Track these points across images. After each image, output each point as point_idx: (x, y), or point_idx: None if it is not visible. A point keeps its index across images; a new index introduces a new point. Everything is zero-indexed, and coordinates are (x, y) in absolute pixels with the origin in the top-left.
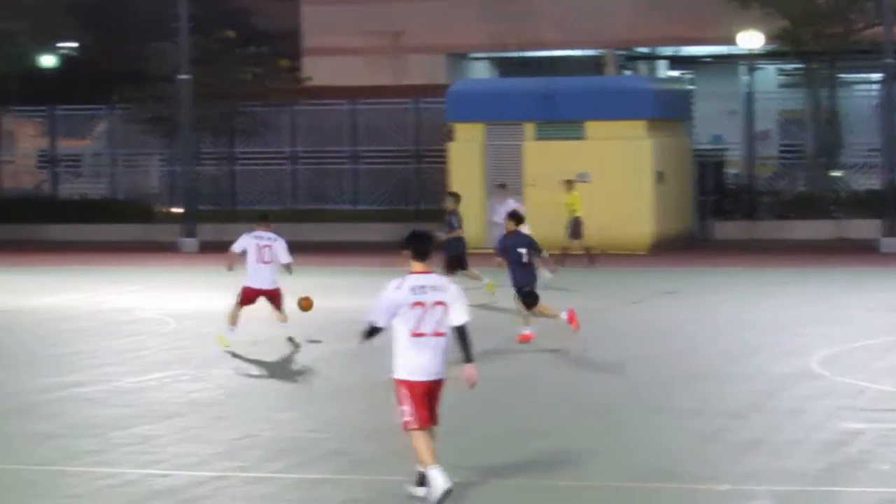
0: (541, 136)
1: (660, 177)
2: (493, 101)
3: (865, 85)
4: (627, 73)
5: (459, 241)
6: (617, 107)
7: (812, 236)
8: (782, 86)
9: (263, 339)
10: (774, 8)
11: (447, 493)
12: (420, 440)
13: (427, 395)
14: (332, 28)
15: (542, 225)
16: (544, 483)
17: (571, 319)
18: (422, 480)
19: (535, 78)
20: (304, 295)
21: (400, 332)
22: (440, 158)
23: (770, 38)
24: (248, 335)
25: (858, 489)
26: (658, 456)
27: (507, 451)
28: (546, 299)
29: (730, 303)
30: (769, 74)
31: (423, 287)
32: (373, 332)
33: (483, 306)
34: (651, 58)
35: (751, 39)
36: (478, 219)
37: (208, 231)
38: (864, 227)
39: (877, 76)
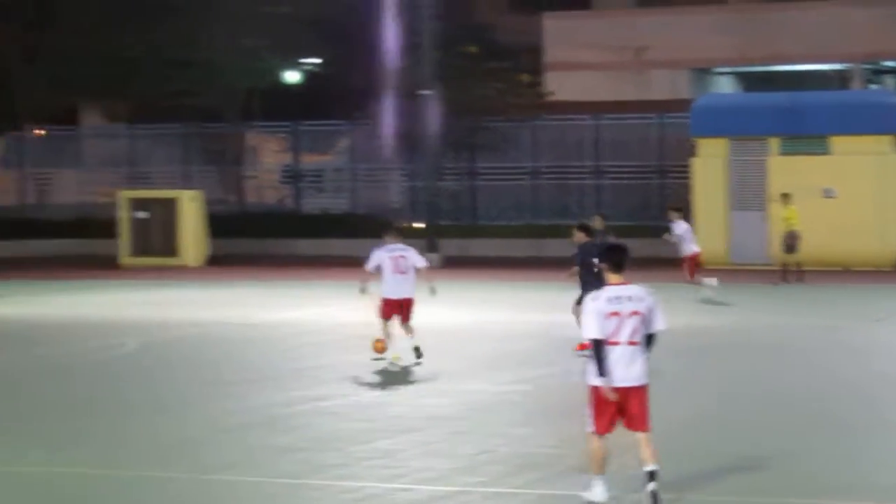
0: (785, 152)
1: None
2: (737, 116)
3: None
4: (874, 87)
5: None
6: (863, 122)
7: None
8: None
9: (501, 354)
10: None
11: None
12: (595, 447)
13: (618, 403)
14: (574, 43)
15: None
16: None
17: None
18: (591, 486)
19: (779, 93)
20: (379, 337)
21: None
22: (683, 174)
23: None
24: (489, 350)
25: None
26: None
27: (753, 469)
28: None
29: None
30: None
31: (619, 298)
32: (598, 348)
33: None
34: None
35: None
36: (721, 235)
37: (450, 246)
38: None
39: None
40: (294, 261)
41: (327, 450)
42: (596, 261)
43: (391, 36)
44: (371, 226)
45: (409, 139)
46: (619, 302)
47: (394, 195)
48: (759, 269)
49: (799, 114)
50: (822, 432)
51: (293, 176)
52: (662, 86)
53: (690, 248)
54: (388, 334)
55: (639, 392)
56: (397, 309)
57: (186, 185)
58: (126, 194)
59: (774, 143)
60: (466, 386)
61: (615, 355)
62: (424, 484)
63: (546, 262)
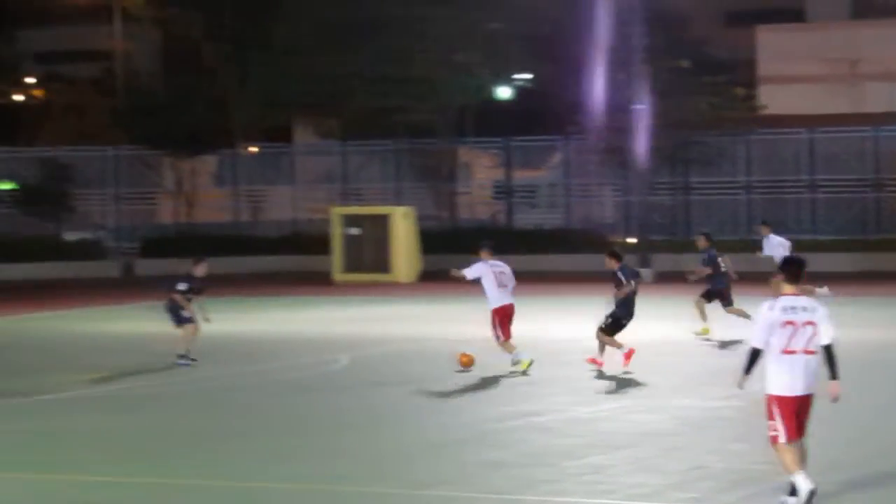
0: None
1: None
2: None
3: None
4: None
5: (724, 277)
6: None
7: None
8: None
9: (714, 370)
10: None
11: (812, 494)
12: (786, 453)
13: (797, 410)
14: (789, 56)
15: None
16: None
17: (627, 356)
18: (793, 490)
19: None
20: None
21: (772, 350)
22: None
23: None
24: (702, 365)
25: None
26: None
27: None
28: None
29: None
30: None
31: (794, 308)
32: (754, 357)
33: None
34: None
35: None
36: None
37: (663, 261)
38: None
39: None
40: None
41: (539, 465)
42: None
43: (603, 50)
44: (584, 241)
45: (622, 154)
46: (794, 312)
47: (607, 210)
48: None
49: None
50: None
51: (505, 191)
52: (878, 98)
53: None
54: (509, 344)
55: (809, 400)
56: (510, 313)
57: (398, 201)
58: (338, 211)
59: None
60: (679, 401)
61: (792, 364)
62: (636, 500)
63: (762, 276)
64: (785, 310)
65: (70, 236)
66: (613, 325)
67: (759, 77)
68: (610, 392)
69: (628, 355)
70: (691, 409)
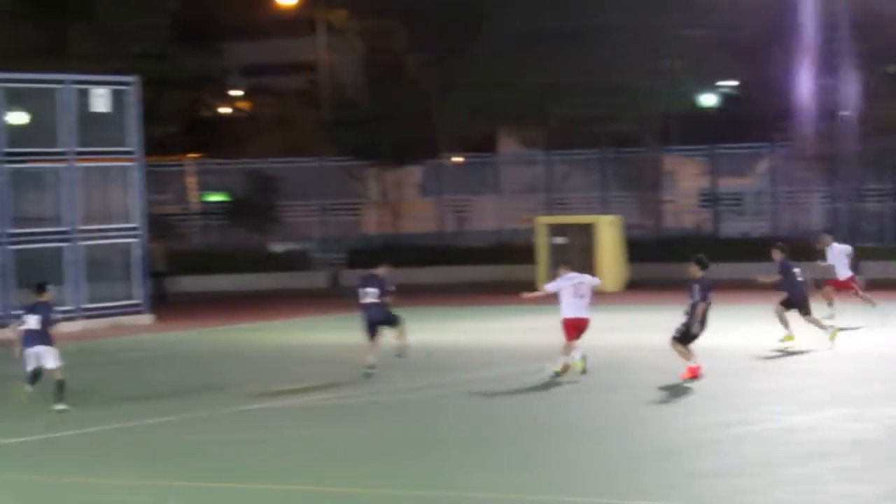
0: None
1: None
2: None
3: None
4: None
5: (803, 285)
6: None
7: None
8: None
9: None
10: None
11: None
12: None
13: None
14: None
15: None
16: None
17: (691, 372)
18: None
19: None
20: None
21: None
22: None
23: None
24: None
25: None
26: None
27: None
28: None
29: None
30: None
31: None
32: None
33: None
34: None
35: None
36: None
37: (872, 268)
38: None
39: None
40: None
41: (749, 475)
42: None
43: (809, 56)
44: (792, 249)
45: (830, 160)
46: None
47: (814, 217)
48: None
49: None
50: None
51: (711, 200)
52: None
53: (845, 272)
54: (569, 350)
55: None
56: (580, 325)
57: (604, 210)
58: (544, 220)
59: None
60: (891, 410)
61: None
62: None
63: None
64: None
65: (276, 248)
66: (685, 335)
67: None
68: (818, 401)
69: (693, 371)
70: None
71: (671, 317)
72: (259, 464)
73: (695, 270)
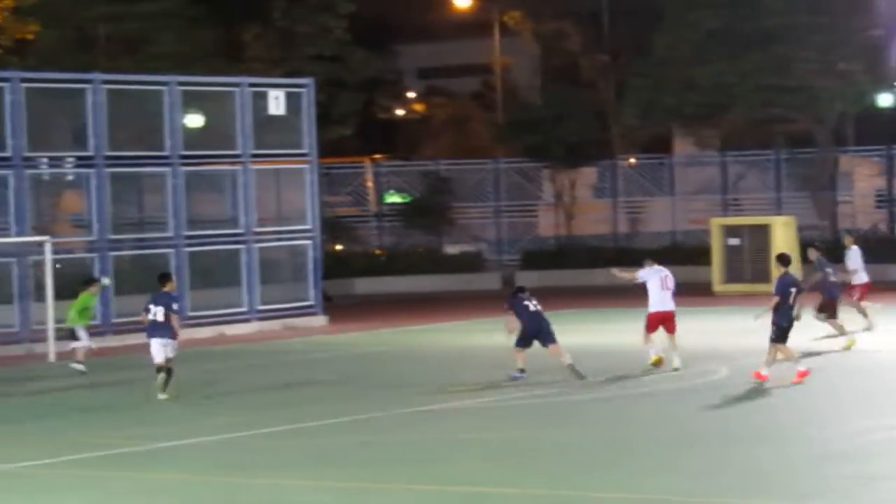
0: None
1: None
2: None
3: None
4: None
5: (835, 286)
6: None
7: None
8: None
9: None
10: None
11: None
12: None
13: None
14: None
15: None
16: None
17: (801, 375)
18: None
19: None
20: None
21: None
22: None
23: None
24: None
25: None
26: None
27: None
28: None
29: None
30: None
31: None
32: None
33: None
34: None
35: None
36: None
37: None
38: None
39: None
40: (886, 286)
41: None
42: (793, 291)
43: None
44: None
45: None
46: None
47: None
48: None
49: None
50: None
51: (887, 200)
52: None
53: (862, 277)
54: (649, 340)
55: None
56: (661, 320)
57: (779, 211)
58: (718, 221)
59: None
60: None
61: None
62: None
63: None
64: None
65: (451, 249)
66: (779, 333)
67: None
68: None
69: (802, 374)
70: None
71: (846, 318)
72: (428, 465)
73: (778, 268)
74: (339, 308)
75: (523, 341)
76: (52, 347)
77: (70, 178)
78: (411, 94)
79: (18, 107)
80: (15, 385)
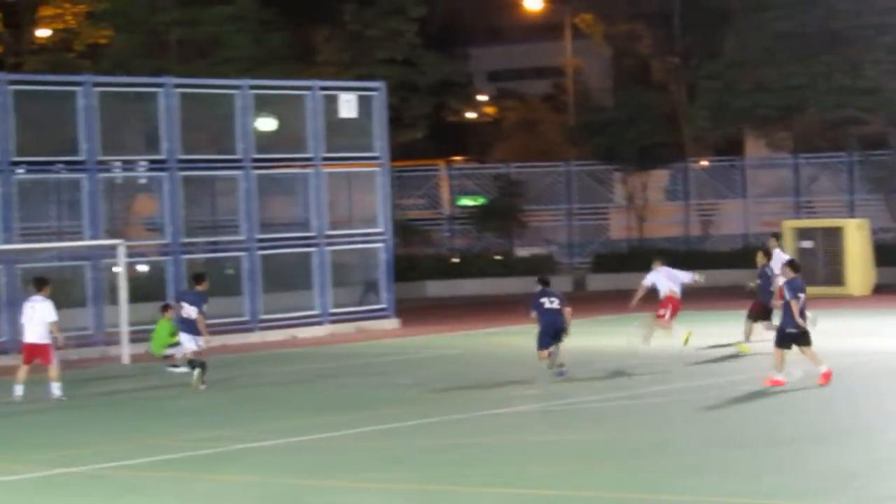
0: None
1: None
2: None
3: None
4: None
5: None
6: None
7: None
8: None
9: None
10: None
11: None
12: None
13: None
14: None
15: None
16: None
17: (825, 377)
18: None
19: None
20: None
21: None
22: None
23: None
24: None
25: None
26: None
27: None
28: None
29: None
30: None
31: None
32: None
33: None
34: None
35: None
36: None
37: None
38: None
39: None
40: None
41: None
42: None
43: None
44: None
45: None
46: None
47: None
48: None
49: None
50: None
51: None
52: None
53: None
54: (649, 337)
55: None
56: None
57: (852, 213)
58: (790, 224)
59: None
60: None
61: None
62: None
63: None
64: None
65: (522, 252)
66: (783, 338)
67: None
68: None
69: (826, 375)
70: None
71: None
72: (492, 468)
73: (788, 272)
74: (410, 311)
75: (542, 341)
76: (125, 350)
77: (143, 181)
78: (482, 97)
79: (91, 111)
80: (89, 387)
